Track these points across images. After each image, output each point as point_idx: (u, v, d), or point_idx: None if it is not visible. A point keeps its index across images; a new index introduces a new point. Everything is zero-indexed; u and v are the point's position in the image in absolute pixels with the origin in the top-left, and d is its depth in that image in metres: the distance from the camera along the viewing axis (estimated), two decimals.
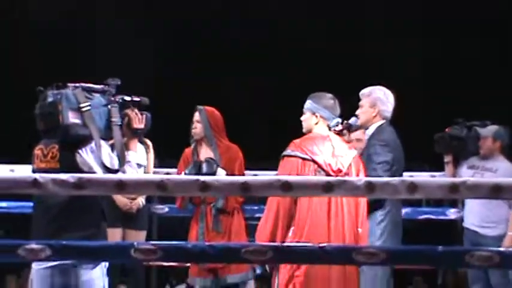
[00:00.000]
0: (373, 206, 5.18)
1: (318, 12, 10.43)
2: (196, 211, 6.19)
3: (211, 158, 6.08)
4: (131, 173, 4.06)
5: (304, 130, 4.95)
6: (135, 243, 3.18)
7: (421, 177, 6.42)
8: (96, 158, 3.98)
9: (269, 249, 3.26)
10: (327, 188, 3.14)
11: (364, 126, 5.48)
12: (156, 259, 3.23)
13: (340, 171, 4.70)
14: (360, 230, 4.77)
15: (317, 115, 4.87)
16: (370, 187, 3.07)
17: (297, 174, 4.57)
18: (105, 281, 4.06)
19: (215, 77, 10.09)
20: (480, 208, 6.16)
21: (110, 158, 4.02)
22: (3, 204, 6.38)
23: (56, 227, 3.90)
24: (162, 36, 10.39)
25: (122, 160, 4.01)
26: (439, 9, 10.41)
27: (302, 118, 4.96)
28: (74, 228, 3.89)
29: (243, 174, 6.03)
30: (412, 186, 3.03)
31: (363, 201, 4.79)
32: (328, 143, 4.78)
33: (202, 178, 3.20)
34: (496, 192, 2.99)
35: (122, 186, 3.17)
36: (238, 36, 10.38)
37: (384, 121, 5.43)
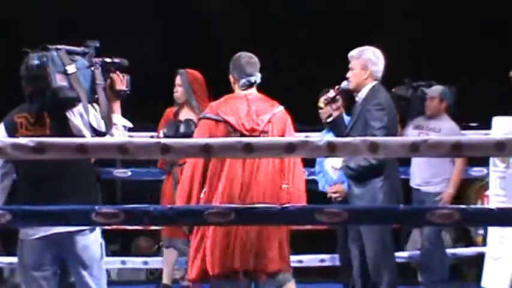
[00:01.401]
0: (370, 174, 5.20)
1: None
2: (169, 173, 6.21)
3: (190, 119, 6.09)
4: (118, 136, 4.03)
5: None
6: (97, 207, 3.15)
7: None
8: (84, 121, 3.95)
9: (232, 211, 3.25)
10: (289, 149, 3.12)
11: (357, 89, 5.42)
12: (118, 222, 3.20)
13: (253, 130, 4.75)
14: (286, 186, 4.82)
15: (231, 77, 4.95)
16: (331, 147, 3.06)
17: (210, 136, 4.62)
18: (102, 244, 4.09)
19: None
20: (424, 167, 6.23)
21: (97, 120, 3.99)
22: None
23: (49, 195, 3.84)
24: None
25: (109, 123, 3.97)
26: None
27: None
28: (69, 196, 3.87)
29: None
30: (374, 146, 3.03)
31: (293, 160, 4.82)
32: (244, 102, 4.82)
33: (163, 140, 3.18)
34: (456, 150, 3.00)
35: (83, 150, 3.12)
36: None
37: (376, 82, 5.38)
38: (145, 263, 7.04)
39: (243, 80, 4.90)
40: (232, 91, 4.98)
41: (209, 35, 10.78)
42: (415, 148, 3.03)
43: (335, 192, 6.06)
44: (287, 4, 10.70)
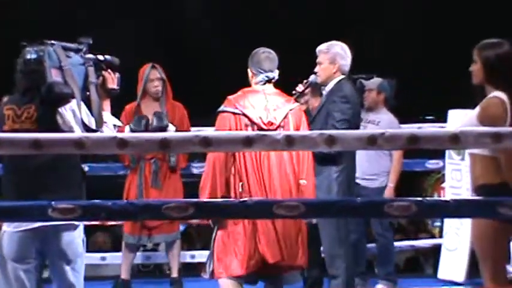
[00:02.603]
0: (327, 162, 5.21)
1: None
2: (135, 167, 6.15)
3: (160, 112, 6.06)
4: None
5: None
6: (53, 202, 3.12)
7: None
8: (76, 118, 3.96)
9: (190, 205, 3.24)
10: (247, 142, 3.12)
11: (325, 83, 5.46)
12: (74, 218, 3.18)
13: (271, 124, 4.72)
14: (304, 182, 4.80)
15: (249, 71, 4.91)
16: (289, 140, 3.06)
17: (230, 130, 4.59)
18: (84, 239, 4.11)
19: None
20: (362, 161, 6.23)
21: (88, 117, 4.00)
22: None
23: (39, 189, 3.86)
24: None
25: (100, 120, 3.98)
26: None
27: None
28: (57, 190, 3.88)
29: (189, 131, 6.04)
30: (331, 139, 3.04)
31: (307, 153, 4.81)
32: (262, 96, 4.79)
33: (120, 135, 3.16)
34: (412, 142, 3.03)
35: (38, 145, 3.09)
36: None
37: (343, 76, 5.43)
38: (103, 258, 7.00)
39: (262, 76, 4.84)
40: (247, 85, 4.92)
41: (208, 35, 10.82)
42: (373, 141, 3.05)
43: None
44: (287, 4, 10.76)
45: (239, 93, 4.86)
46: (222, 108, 4.80)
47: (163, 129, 5.86)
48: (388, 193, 6.31)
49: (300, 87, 5.49)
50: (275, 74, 4.88)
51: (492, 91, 4.11)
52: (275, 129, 4.64)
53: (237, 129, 4.63)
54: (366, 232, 6.38)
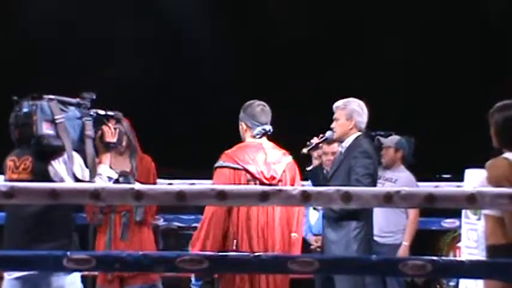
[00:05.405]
0: (350, 218, 5.19)
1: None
2: (105, 220, 6.01)
3: (126, 172, 5.91)
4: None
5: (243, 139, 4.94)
6: (68, 253, 3.13)
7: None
8: (68, 169, 4.07)
9: (205, 258, 3.24)
10: (263, 197, 3.13)
11: (341, 139, 5.46)
12: (90, 268, 3.19)
13: (273, 178, 4.70)
14: (294, 235, 4.78)
15: (243, 124, 4.88)
16: (305, 196, 3.07)
17: (230, 185, 4.55)
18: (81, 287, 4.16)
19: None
20: (379, 218, 6.18)
21: (81, 169, 4.11)
22: None
23: (29, 238, 3.96)
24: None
25: (93, 172, 4.11)
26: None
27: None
28: (46, 239, 3.96)
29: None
30: (347, 195, 3.05)
31: (297, 208, 4.78)
32: (261, 150, 4.77)
33: (136, 187, 3.18)
34: (429, 201, 3.02)
35: (55, 195, 3.12)
36: None
37: (360, 133, 5.44)
38: None
39: (259, 129, 4.80)
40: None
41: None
42: (389, 199, 3.05)
43: (319, 246, 6.04)
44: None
45: (235, 148, 4.84)
46: (220, 163, 4.73)
47: None
48: (403, 252, 6.25)
49: (314, 140, 5.49)
50: (270, 127, 4.89)
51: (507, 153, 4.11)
52: (276, 184, 4.63)
53: (236, 185, 4.58)
54: None
